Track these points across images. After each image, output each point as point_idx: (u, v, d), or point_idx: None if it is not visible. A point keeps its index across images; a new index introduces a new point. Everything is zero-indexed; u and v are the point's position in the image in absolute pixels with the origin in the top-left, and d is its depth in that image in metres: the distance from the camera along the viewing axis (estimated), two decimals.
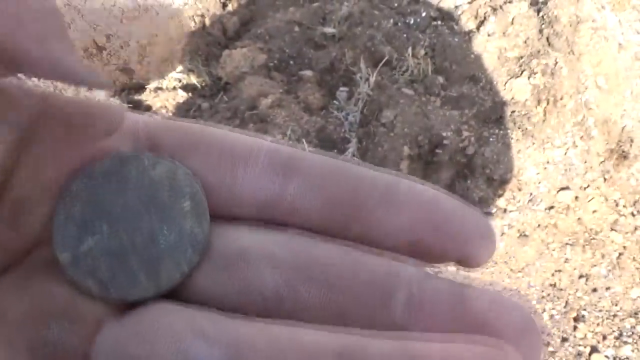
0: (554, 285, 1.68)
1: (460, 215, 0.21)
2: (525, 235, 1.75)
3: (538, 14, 2.05)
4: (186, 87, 2.22)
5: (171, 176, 0.21)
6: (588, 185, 1.84)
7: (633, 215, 1.82)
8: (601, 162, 1.91)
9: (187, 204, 0.21)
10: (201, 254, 0.21)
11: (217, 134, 0.22)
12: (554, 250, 1.73)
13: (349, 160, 0.23)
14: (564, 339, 1.57)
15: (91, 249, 0.20)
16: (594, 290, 1.67)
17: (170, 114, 2.05)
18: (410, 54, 2.00)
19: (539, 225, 1.77)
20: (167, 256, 0.20)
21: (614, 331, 1.59)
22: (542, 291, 1.66)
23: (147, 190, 0.21)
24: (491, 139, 1.86)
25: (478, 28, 2.06)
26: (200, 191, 0.21)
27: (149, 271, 0.20)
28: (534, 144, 1.87)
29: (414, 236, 0.21)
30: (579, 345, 1.56)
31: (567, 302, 1.64)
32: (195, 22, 2.40)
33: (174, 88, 2.22)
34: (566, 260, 1.72)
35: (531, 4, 2.08)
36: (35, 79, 0.21)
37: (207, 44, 2.33)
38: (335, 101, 1.99)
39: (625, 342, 1.56)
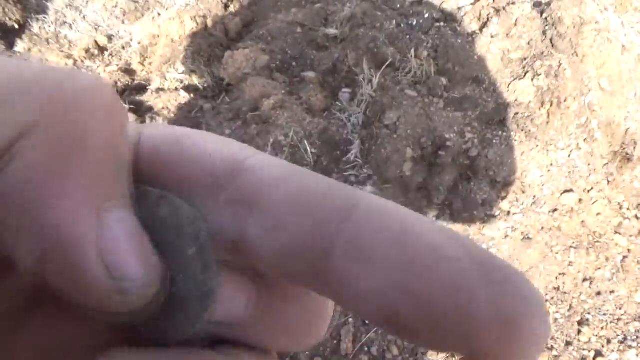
0: (558, 288, 1.66)
1: (477, 284, 0.14)
2: (529, 238, 1.74)
3: (541, 16, 2.04)
4: (188, 88, 2.22)
5: (174, 217, 0.19)
6: (592, 188, 1.83)
7: (637, 218, 1.81)
8: (605, 165, 1.90)
9: (193, 250, 0.19)
10: (212, 310, 0.20)
11: (192, 151, 0.20)
12: (557, 253, 1.72)
13: (321, 182, 0.18)
14: (568, 343, 1.56)
15: None
16: (598, 293, 1.65)
17: (173, 115, 2.04)
18: (413, 56, 2.00)
19: (542, 228, 1.76)
20: (178, 308, 0.19)
21: (618, 335, 1.58)
22: (546, 294, 1.65)
23: (154, 232, 0.19)
24: (494, 141, 1.86)
25: (481, 29, 2.05)
26: (205, 236, 0.19)
27: (158, 324, 0.19)
28: (537, 146, 1.86)
29: (388, 308, 0.15)
30: (583, 349, 1.55)
31: (571, 306, 1.63)
32: (197, 23, 2.39)
33: (176, 89, 2.21)
34: (570, 264, 1.71)
35: (534, 6, 2.07)
36: None
37: (209, 45, 2.33)
38: (337, 102, 1.98)
39: (630, 347, 1.55)
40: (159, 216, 0.19)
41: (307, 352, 1.49)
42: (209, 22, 2.43)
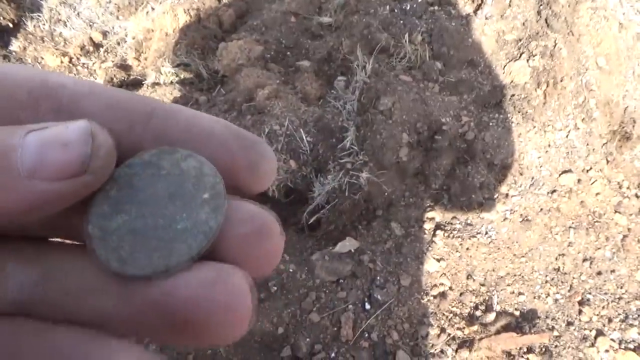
0: (558, 269, 1.66)
1: (232, 143, 0.24)
2: (528, 220, 1.73)
3: None
4: (183, 82, 2.21)
5: (198, 169, 0.24)
6: (591, 168, 1.82)
7: (637, 196, 1.80)
8: (604, 144, 1.88)
9: (207, 195, 0.24)
10: (211, 241, 0.23)
11: (122, 97, 0.24)
12: (557, 234, 1.71)
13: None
14: (569, 323, 1.55)
15: (118, 228, 0.23)
16: (599, 273, 1.65)
17: None
18: (407, 40, 1.98)
19: (541, 210, 1.75)
20: (180, 240, 0.23)
21: (619, 314, 1.57)
22: (546, 275, 1.64)
23: (176, 180, 0.24)
24: (491, 124, 1.84)
25: (475, 11, 2.03)
26: (221, 185, 0.24)
27: (163, 252, 0.23)
28: (534, 127, 1.84)
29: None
30: (584, 329, 1.54)
31: (571, 286, 1.62)
32: (190, 15, 2.39)
33: (171, 83, 2.21)
34: (570, 244, 1.70)
35: None
36: None
37: (203, 38, 2.32)
38: (333, 91, 1.97)
39: (632, 325, 1.54)
40: (183, 168, 0.24)
41: (308, 339, 1.49)
42: (203, 15, 2.42)
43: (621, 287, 1.62)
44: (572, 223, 1.73)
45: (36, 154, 0.20)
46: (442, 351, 1.48)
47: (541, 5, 1.96)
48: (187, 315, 0.21)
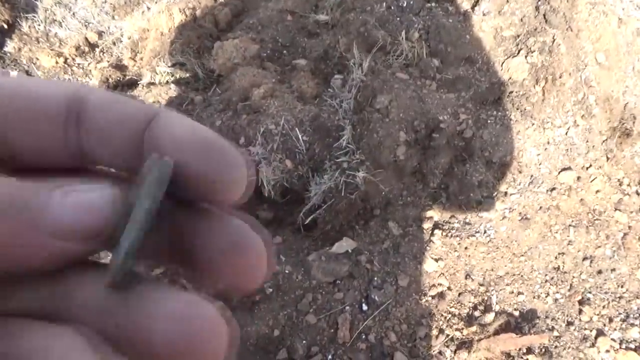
0: (558, 268, 1.64)
1: (198, 151, 0.24)
2: (527, 218, 1.71)
3: None
4: (179, 81, 2.20)
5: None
6: (590, 165, 1.80)
7: (638, 194, 1.77)
8: (603, 141, 1.86)
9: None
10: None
11: (21, 92, 0.24)
12: (556, 232, 1.69)
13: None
14: (569, 323, 1.53)
15: None
16: (599, 272, 1.62)
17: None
18: (404, 38, 1.96)
19: (540, 208, 1.72)
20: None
21: (620, 313, 1.55)
22: (546, 275, 1.62)
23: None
24: (489, 121, 1.82)
25: (473, 8, 2.01)
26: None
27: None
28: (533, 124, 1.82)
29: (191, 172, 0.24)
30: (585, 328, 1.52)
31: (571, 285, 1.60)
32: (186, 15, 2.37)
33: (167, 82, 2.19)
34: (570, 243, 1.67)
35: None
36: None
37: (198, 37, 2.30)
38: (329, 89, 1.95)
39: (632, 324, 1.52)
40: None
41: (304, 341, 1.47)
42: (198, 14, 2.40)
43: (622, 286, 1.60)
44: (572, 221, 1.71)
45: (61, 215, 0.21)
46: (440, 352, 1.46)
47: (539, 0, 1.94)
48: (163, 350, 0.22)
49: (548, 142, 1.81)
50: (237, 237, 0.25)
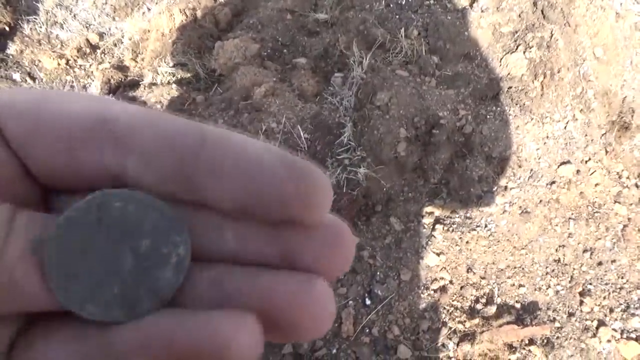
0: (558, 260, 1.65)
1: (282, 174, 0.23)
2: (527, 212, 1.73)
3: None
4: (180, 81, 2.21)
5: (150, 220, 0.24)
6: (589, 159, 1.81)
7: (637, 186, 1.79)
8: (602, 135, 1.88)
9: (174, 259, 0.24)
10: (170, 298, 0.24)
11: (56, 113, 0.23)
12: (557, 225, 1.71)
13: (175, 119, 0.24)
14: (570, 314, 1.55)
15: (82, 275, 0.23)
16: (599, 263, 1.64)
17: (166, 109, 2.04)
18: (403, 35, 1.98)
19: (540, 201, 1.74)
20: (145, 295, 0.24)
21: (621, 304, 1.56)
22: (547, 267, 1.64)
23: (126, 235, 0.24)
24: (488, 117, 1.84)
25: (471, 4, 2.02)
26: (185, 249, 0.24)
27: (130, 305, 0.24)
28: (532, 119, 1.84)
29: (237, 204, 0.23)
30: (586, 319, 1.54)
31: (572, 277, 1.62)
32: (186, 15, 2.38)
33: (168, 83, 2.21)
34: (570, 235, 1.69)
35: None
36: None
37: (199, 37, 2.32)
38: (330, 87, 1.97)
39: (633, 314, 1.54)
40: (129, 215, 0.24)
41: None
42: (199, 14, 2.42)
43: (622, 277, 1.61)
44: (572, 214, 1.72)
45: None
46: (443, 345, 1.48)
47: None
48: (285, 315, 0.24)
49: (547, 137, 1.82)
50: (335, 229, 0.26)
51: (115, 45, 2.51)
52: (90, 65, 2.43)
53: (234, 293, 0.24)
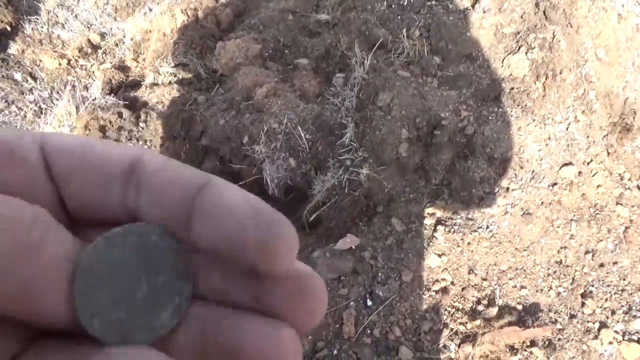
0: (560, 262, 1.65)
1: (248, 224, 0.25)
2: (529, 214, 1.72)
3: None
4: (182, 82, 2.21)
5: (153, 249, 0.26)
6: (591, 160, 1.81)
7: (639, 188, 1.79)
8: (604, 136, 1.87)
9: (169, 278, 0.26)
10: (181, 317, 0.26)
11: (99, 153, 0.27)
12: (558, 227, 1.71)
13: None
14: (572, 316, 1.55)
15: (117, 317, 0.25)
16: (601, 265, 1.64)
17: (167, 109, 2.04)
18: (405, 36, 1.97)
19: (542, 203, 1.74)
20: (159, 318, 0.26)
21: (622, 306, 1.56)
22: (548, 269, 1.64)
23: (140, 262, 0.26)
24: (490, 118, 1.83)
25: (473, 5, 2.02)
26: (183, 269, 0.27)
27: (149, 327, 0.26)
28: (534, 120, 1.83)
29: (213, 247, 0.25)
30: (588, 321, 1.54)
31: (574, 279, 1.62)
32: (188, 15, 2.38)
33: (170, 83, 2.21)
34: (572, 237, 1.69)
35: None
36: None
37: (200, 37, 2.32)
38: (331, 88, 1.97)
39: (635, 316, 1.53)
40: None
41: (310, 337, 1.49)
42: (200, 14, 2.42)
43: (624, 279, 1.61)
44: (574, 216, 1.72)
45: None
46: (445, 346, 1.48)
47: None
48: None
49: (549, 138, 1.82)
50: (306, 282, 0.27)
51: (116, 45, 2.51)
52: (92, 65, 2.43)
53: (212, 336, 0.26)
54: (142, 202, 0.27)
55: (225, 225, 0.25)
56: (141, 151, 0.28)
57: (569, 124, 1.84)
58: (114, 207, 0.27)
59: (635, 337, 1.49)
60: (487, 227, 1.71)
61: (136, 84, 2.32)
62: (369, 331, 1.50)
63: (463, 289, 1.59)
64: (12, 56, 2.39)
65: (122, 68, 2.41)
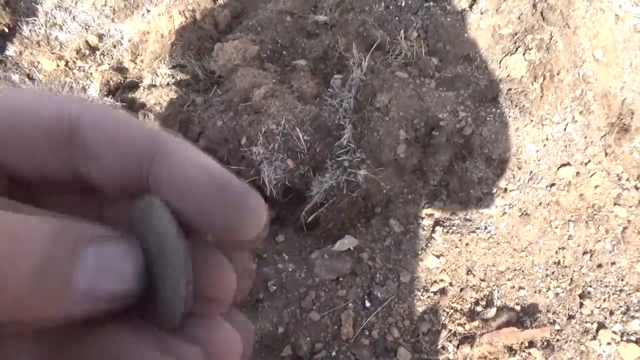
0: (558, 263, 1.65)
1: (212, 194, 0.23)
2: (527, 214, 1.72)
3: None
4: (179, 83, 2.21)
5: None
6: (589, 161, 1.81)
7: (637, 188, 1.79)
8: (602, 137, 1.88)
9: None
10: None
11: (20, 111, 0.24)
12: (556, 227, 1.71)
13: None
14: (570, 317, 1.55)
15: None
16: (599, 266, 1.64)
17: (165, 110, 2.04)
18: (403, 37, 1.98)
19: (540, 203, 1.74)
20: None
21: (621, 306, 1.56)
22: (547, 269, 1.64)
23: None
24: (488, 118, 1.84)
25: (471, 6, 2.02)
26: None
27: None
28: (532, 121, 1.83)
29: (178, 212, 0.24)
30: (586, 322, 1.54)
31: (572, 280, 1.62)
32: (186, 17, 2.38)
33: (168, 84, 2.21)
34: (570, 237, 1.69)
35: None
36: None
37: (198, 39, 2.31)
38: (329, 89, 1.97)
39: (633, 317, 1.53)
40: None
41: (308, 338, 1.49)
42: (198, 16, 2.42)
43: (622, 280, 1.61)
44: (572, 216, 1.72)
45: (93, 277, 0.21)
46: (443, 347, 1.48)
47: None
48: None
49: (547, 139, 1.82)
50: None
51: (114, 46, 2.51)
52: (90, 67, 2.43)
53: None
54: (84, 167, 0.24)
55: (185, 201, 0.23)
56: (71, 104, 0.24)
57: (566, 125, 1.84)
58: (57, 172, 0.25)
59: (633, 338, 1.49)
60: (485, 228, 1.71)
61: (134, 86, 2.32)
62: (367, 332, 1.50)
63: (461, 289, 1.59)
64: (9, 58, 2.38)
65: (120, 69, 2.41)
